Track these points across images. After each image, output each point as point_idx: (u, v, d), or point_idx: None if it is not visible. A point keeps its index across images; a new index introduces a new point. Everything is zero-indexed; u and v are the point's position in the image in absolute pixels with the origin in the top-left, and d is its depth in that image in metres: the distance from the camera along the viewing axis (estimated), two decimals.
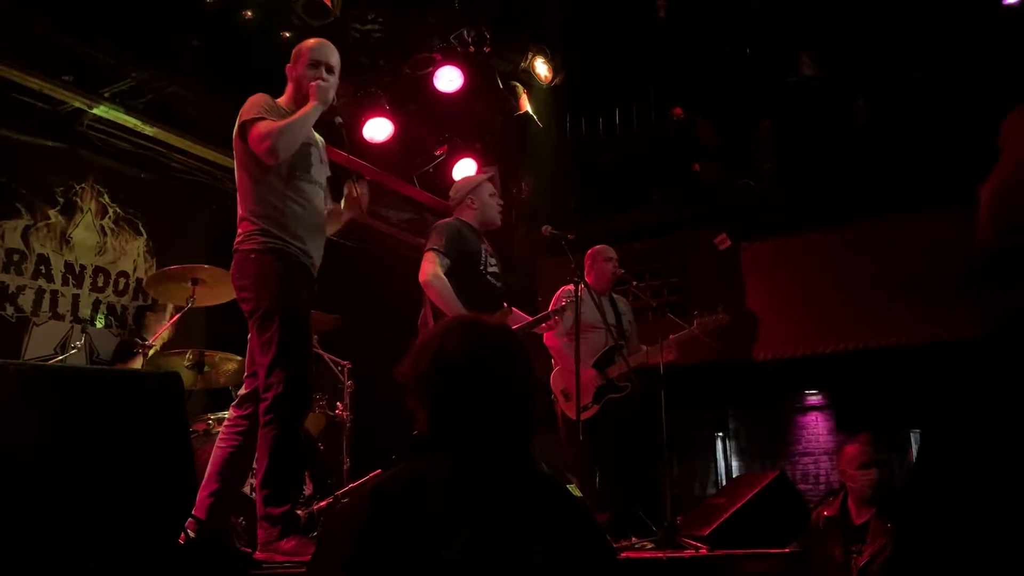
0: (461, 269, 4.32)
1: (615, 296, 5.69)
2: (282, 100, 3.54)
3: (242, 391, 3.43)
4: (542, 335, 5.24)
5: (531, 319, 4.73)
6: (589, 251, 5.68)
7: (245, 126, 3.32)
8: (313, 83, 3.42)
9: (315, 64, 3.49)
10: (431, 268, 4.21)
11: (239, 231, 3.39)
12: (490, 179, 4.70)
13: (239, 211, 3.43)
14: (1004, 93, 6.11)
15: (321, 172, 3.57)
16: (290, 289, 3.26)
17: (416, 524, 1.63)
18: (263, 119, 3.30)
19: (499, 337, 1.87)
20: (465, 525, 1.65)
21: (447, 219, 4.56)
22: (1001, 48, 6.20)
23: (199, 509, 3.12)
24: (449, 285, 4.17)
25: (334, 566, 1.66)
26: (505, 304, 4.45)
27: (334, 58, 3.55)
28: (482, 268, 4.43)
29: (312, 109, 3.37)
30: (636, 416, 5.23)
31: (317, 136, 3.63)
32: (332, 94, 3.47)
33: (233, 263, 3.38)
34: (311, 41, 3.57)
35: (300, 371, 3.20)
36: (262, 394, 3.20)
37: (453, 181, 7.07)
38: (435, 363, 1.81)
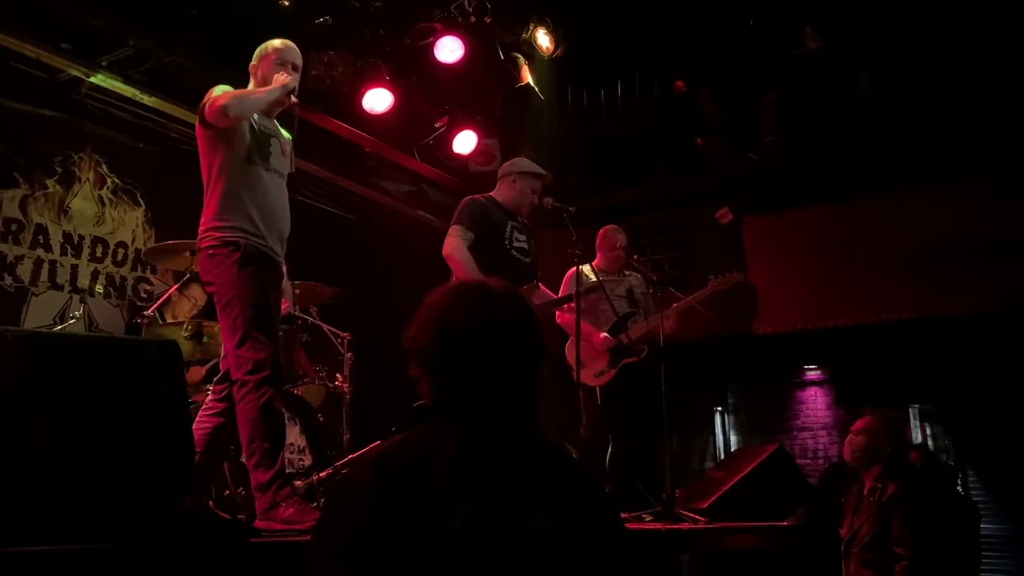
0: (485, 244, 4.43)
1: (626, 273, 5.72)
2: None
3: (220, 372, 3.54)
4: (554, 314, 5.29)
5: (555, 298, 4.84)
6: (600, 231, 5.74)
7: (205, 105, 3.39)
8: (279, 74, 3.54)
9: (281, 63, 3.61)
10: (453, 241, 4.38)
11: (200, 222, 3.47)
12: (541, 178, 4.71)
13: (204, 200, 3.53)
14: (1010, 67, 6.10)
15: (282, 164, 3.65)
16: (245, 276, 3.35)
17: (419, 495, 1.60)
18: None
19: (505, 305, 1.80)
20: (469, 496, 1.62)
21: (476, 195, 4.64)
22: (1009, 19, 6.14)
23: None
24: (470, 257, 4.31)
25: (339, 541, 1.63)
26: (534, 281, 4.56)
27: (299, 59, 3.69)
28: (507, 243, 4.52)
29: (272, 89, 3.48)
30: (637, 390, 5.26)
31: (283, 131, 3.73)
32: (294, 89, 3.55)
33: (199, 259, 3.48)
34: (276, 42, 3.67)
35: (265, 349, 3.29)
36: (233, 375, 3.32)
37: (453, 153, 7.12)
38: (438, 331, 1.76)
